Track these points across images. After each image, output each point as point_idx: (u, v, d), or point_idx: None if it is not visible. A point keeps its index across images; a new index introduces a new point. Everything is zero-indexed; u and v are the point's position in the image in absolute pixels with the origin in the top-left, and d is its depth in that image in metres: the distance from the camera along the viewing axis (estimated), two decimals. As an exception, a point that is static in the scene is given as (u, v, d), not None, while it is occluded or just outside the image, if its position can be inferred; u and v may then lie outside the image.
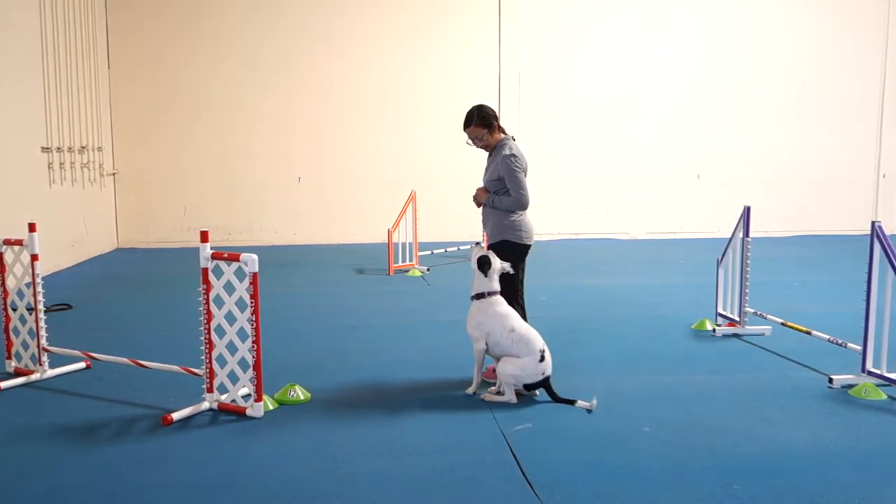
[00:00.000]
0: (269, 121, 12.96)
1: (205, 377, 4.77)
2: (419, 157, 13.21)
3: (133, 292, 8.95)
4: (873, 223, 5.11)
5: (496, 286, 5.07)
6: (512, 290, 5.29)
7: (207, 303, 4.70)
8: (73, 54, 10.83)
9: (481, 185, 5.55)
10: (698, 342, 6.51)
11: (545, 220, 13.57)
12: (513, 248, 5.34)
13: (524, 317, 5.36)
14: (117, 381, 5.38)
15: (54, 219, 9.92)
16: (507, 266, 5.14)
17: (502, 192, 5.37)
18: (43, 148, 9.90)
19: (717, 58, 13.81)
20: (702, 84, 13.82)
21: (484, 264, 5.05)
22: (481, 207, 5.56)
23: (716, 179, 13.95)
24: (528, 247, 5.43)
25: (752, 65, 13.90)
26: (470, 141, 5.47)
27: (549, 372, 4.92)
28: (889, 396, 5.02)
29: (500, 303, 5.06)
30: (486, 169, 5.51)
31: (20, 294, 5.54)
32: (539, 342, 4.93)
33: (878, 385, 5.12)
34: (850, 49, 14.03)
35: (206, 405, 4.77)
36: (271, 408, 4.80)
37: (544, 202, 13.44)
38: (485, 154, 5.62)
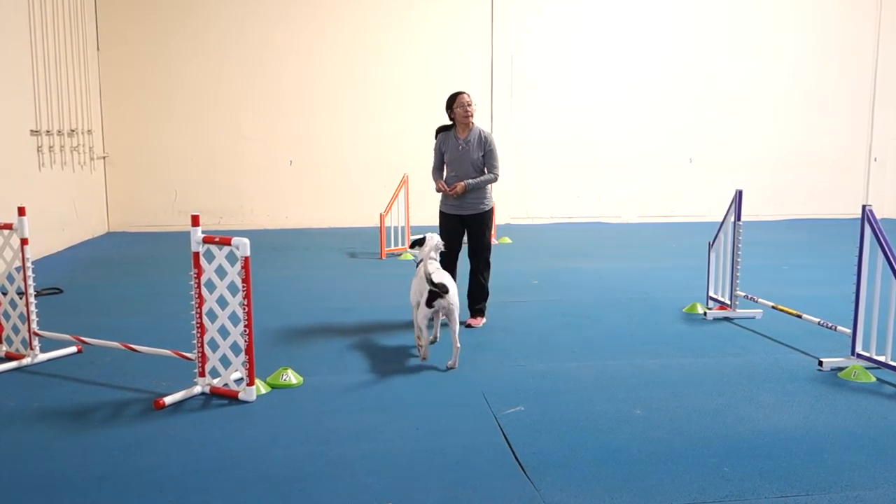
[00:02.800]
0: (261, 104, 12.88)
1: (197, 361, 4.77)
2: (411, 141, 13.16)
3: (124, 276, 8.92)
4: (864, 207, 5.13)
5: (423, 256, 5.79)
6: (486, 250, 6.43)
7: (199, 287, 4.69)
8: (62, 36, 10.74)
9: (466, 163, 6.33)
10: (689, 325, 6.54)
11: (538, 203, 13.59)
12: (492, 213, 6.61)
13: (487, 269, 6.45)
14: (109, 366, 5.38)
15: (44, 202, 9.87)
16: (441, 244, 5.93)
17: (479, 170, 6.35)
18: (32, 131, 9.83)
19: (710, 43, 13.79)
20: (694, 68, 13.80)
21: (414, 245, 5.95)
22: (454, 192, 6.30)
23: (708, 163, 13.97)
24: None
25: (746, 50, 13.89)
26: (470, 104, 6.27)
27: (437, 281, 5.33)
28: (878, 379, 5.06)
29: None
30: (464, 149, 6.28)
31: (10, 278, 5.52)
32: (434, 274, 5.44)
33: (867, 368, 5.15)
34: (842, 33, 14.03)
35: (198, 389, 4.77)
36: (263, 391, 4.80)
37: (537, 186, 13.46)
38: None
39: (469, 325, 6.37)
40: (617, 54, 13.62)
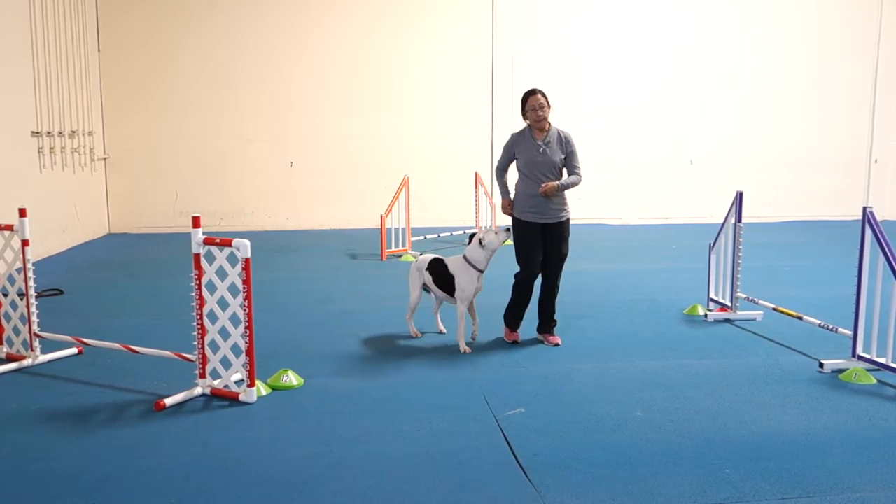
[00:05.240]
0: (262, 105, 12.88)
1: (197, 363, 4.77)
2: (412, 142, 13.18)
3: (125, 278, 8.92)
4: (865, 209, 5.13)
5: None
6: (564, 260, 5.93)
7: (199, 288, 4.69)
8: (62, 37, 10.74)
9: (547, 164, 5.80)
10: (690, 327, 6.54)
11: (538, 205, 13.56)
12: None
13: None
14: (109, 367, 5.38)
15: (45, 204, 9.87)
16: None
17: (559, 174, 5.84)
18: (33, 132, 9.83)
19: (710, 43, 13.78)
20: (695, 69, 13.79)
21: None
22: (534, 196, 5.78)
23: (708, 165, 13.97)
24: None
25: (746, 50, 13.88)
26: (543, 105, 5.78)
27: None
28: (879, 381, 5.05)
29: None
30: (543, 152, 5.77)
31: (11, 279, 5.52)
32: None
33: (868, 370, 5.15)
34: (843, 35, 14.01)
35: (198, 390, 4.77)
36: (264, 393, 4.80)
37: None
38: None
39: (556, 343, 5.92)
40: (618, 56, 13.61)
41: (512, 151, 5.87)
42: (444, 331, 6.21)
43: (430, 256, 6.04)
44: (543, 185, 5.70)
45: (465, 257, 5.77)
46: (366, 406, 4.66)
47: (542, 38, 13.42)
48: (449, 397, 4.80)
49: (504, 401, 4.70)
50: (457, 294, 5.76)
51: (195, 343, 4.75)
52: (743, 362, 5.51)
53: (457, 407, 4.63)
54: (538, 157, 5.75)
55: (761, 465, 3.81)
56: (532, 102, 5.75)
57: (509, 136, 5.98)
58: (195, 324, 4.73)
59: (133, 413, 4.54)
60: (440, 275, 5.86)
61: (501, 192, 6.00)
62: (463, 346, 5.75)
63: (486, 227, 5.73)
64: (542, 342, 5.99)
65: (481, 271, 5.75)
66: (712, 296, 7.01)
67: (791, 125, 14.10)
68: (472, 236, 5.84)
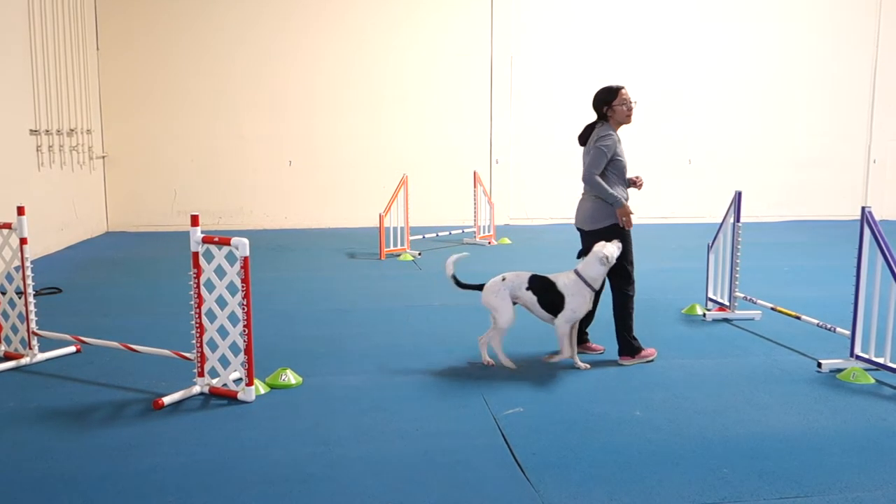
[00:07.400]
0: (260, 104, 12.88)
1: (196, 361, 4.77)
2: (411, 141, 13.18)
3: (123, 276, 8.91)
4: (863, 208, 5.13)
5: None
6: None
7: (198, 287, 4.69)
8: (61, 36, 10.73)
9: (626, 164, 5.56)
10: (688, 327, 6.54)
11: (538, 204, 13.58)
12: None
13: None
14: (108, 365, 5.37)
15: (43, 202, 9.86)
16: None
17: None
18: (31, 131, 9.82)
19: (708, 43, 13.79)
20: (693, 69, 13.80)
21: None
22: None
23: (707, 165, 13.98)
24: None
25: (744, 50, 13.89)
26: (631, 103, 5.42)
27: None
28: (877, 381, 5.06)
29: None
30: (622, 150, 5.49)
31: (9, 277, 5.51)
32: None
33: (866, 369, 5.16)
34: (841, 34, 14.03)
35: (197, 389, 4.77)
36: (262, 392, 4.80)
37: (538, 187, 13.45)
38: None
39: (599, 351, 5.76)
40: (616, 56, 13.61)
41: (616, 153, 5.36)
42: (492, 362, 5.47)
43: (526, 274, 5.34)
44: (638, 177, 5.61)
45: (578, 273, 5.24)
46: (364, 405, 4.65)
47: (542, 38, 13.42)
48: (448, 396, 4.80)
49: (503, 400, 4.70)
50: (565, 315, 5.23)
51: (194, 342, 4.75)
52: (741, 362, 5.51)
53: (456, 407, 4.63)
54: (625, 156, 5.49)
55: (759, 465, 3.81)
56: (624, 94, 5.33)
57: (610, 136, 5.34)
58: (194, 322, 4.73)
59: (131, 412, 4.53)
60: (545, 294, 5.26)
61: (617, 199, 5.37)
62: (580, 364, 5.35)
63: (603, 242, 5.27)
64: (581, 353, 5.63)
65: (597, 291, 5.35)
66: (711, 295, 7.02)
67: (790, 125, 14.12)
68: (581, 252, 5.39)
